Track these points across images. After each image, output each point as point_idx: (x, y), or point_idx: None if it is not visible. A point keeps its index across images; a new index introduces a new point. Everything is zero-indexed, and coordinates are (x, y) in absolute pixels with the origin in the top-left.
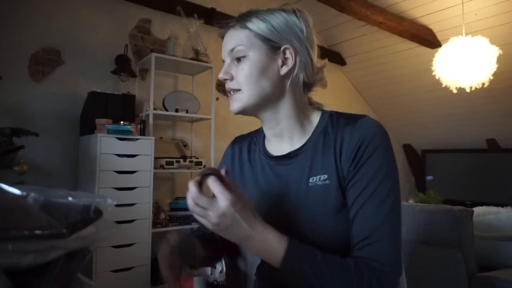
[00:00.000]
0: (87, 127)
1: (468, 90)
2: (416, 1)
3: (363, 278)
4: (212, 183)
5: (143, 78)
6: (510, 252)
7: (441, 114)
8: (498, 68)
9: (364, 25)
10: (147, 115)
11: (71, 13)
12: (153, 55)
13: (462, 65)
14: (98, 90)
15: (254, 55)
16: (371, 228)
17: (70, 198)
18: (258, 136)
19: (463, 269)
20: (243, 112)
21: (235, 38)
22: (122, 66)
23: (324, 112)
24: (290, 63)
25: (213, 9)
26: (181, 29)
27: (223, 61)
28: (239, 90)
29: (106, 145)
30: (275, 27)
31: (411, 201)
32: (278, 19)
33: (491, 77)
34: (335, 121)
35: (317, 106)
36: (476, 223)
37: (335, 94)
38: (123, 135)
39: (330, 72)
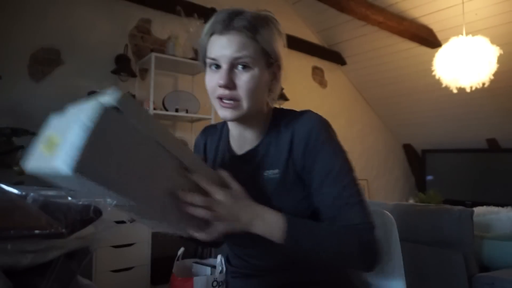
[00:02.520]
0: None
1: (468, 90)
2: (416, 1)
3: (353, 239)
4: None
5: (143, 78)
6: (510, 252)
7: (441, 114)
8: (498, 68)
9: (364, 25)
10: None
11: (71, 13)
12: (153, 55)
13: (462, 65)
14: (98, 90)
15: (259, 70)
16: (342, 202)
17: (69, 198)
18: (223, 130)
19: (463, 269)
20: (235, 120)
21: (243, 47)
22: (122, 66)
23: (272, 109)
24: (278, 78)
25: (213, 9)
26: (181, 29)
27: (214, 60)
28: (238, 100)
29: None
30: (275, 44)
31: (411, 201)
32: (274, 32)
33: (492, 77)
34: (283, 118)
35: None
36: (476, 223)
37: (335, 94)
38: None
39: (330, 72)
